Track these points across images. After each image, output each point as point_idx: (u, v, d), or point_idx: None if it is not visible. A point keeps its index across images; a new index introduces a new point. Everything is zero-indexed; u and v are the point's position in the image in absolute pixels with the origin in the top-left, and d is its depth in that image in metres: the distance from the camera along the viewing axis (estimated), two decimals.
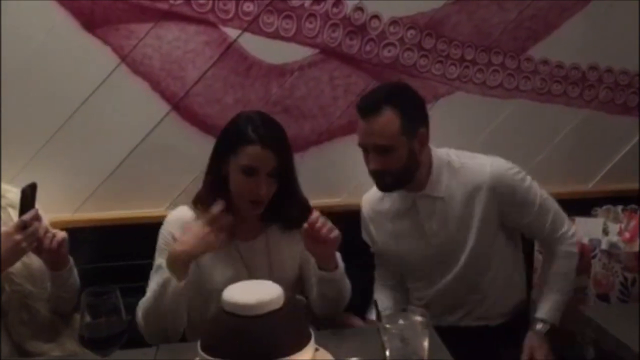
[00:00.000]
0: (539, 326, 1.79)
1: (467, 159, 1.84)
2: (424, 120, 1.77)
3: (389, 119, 1.70)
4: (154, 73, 2.15)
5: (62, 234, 1.62)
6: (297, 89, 2.24)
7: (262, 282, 1.44)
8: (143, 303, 1.62)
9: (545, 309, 1.81)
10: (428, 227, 1.83)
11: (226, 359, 1.25)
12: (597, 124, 2.39)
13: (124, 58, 2.12)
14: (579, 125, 2.39)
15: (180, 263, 1.57)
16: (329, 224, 1.58)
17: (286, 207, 1.72)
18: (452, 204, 1.81)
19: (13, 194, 1.75)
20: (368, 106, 1.74)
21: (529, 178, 1.82)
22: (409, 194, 1.83)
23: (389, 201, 1.89)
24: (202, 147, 2.18)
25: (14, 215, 1.63)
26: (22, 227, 1.53)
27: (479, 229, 1.80)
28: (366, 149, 1.76)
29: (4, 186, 1.80)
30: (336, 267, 1.65)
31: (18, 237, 1.52)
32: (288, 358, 1.25)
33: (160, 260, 1.64)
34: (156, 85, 2.16)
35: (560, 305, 1.82)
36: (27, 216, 1.53)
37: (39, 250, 1.60)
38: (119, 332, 1.26)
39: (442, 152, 1.84)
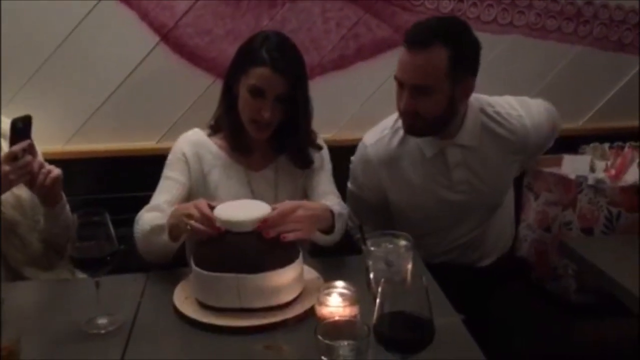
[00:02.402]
0: None
1: (500, 107, 1.74)
2: (474, 68, 1.61)
3: (436, 56, 1.53)
4: (143, 3, 2.11)
5: (57, 171, 1.60)
6: (288, 22, 2.20)
7: (252, 201, 1.48)
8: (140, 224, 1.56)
9: None
10: (455, 176, 1.73)
11: (217, 272, 1.30)
12: (591, 61, 2.37)
13: None
14: (572, 61, 2.37)
15: None
16: (281, 228, 1.39)
17: (295, 138, 1.69)
18: (482, 154, 1.72)
19: (4, 124, 1.72)
20: (417, 37, 1.55)
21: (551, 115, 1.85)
22: (437, 142, 1.70)
23: (409, 145, 1.74)
24: (191, 80, 2.19)
25: (5, 146, 1.62)
26: (12, 158, 1.52)
27: (501, 181, 1.79)
28: (402, 84, 1.60)
29: None
30: (332, 230, 1.55)
31: (6, 168, 1.51)
32: (275, 271, 1.31)
33: (168, 172, 1.68)
34: (144, 15, 2.12)
35: None
36: (16, 147, 1.52)
37: (31, 184, 1.59)
38: (108, 254, 1.28)
39: (472, 99, 1.69)
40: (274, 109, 1.59)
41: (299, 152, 1.71)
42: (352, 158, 1.87)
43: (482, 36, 2.26)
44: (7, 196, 1.65)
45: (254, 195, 1.69)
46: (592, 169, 2.09)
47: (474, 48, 1.61)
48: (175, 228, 1.45)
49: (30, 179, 1.57)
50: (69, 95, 2.17)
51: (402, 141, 1.74)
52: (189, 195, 1.68)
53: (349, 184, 1.89)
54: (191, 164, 1.69)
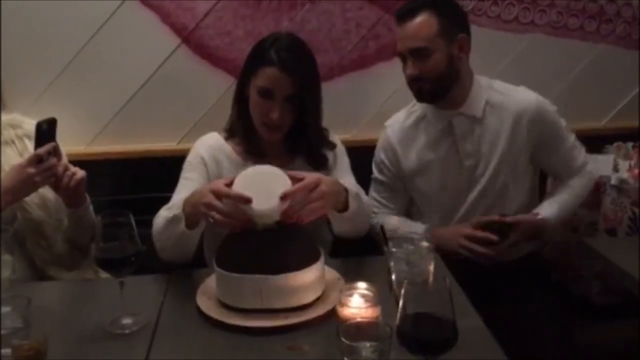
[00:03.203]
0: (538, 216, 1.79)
1: (511, 88, 1.83)
2: (464, 25, 1.74)
3: (425, 20, 1.68)
4: (164, 5, 2.13)
5: (81, 173, 1.62)
6: (307, 23, 2.21)
7: (269, 170, 1.45)
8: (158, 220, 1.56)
9: (544, 207, 1.82)
10: (462, 148, 1.80)
11: (240, 273, 1.31)
12: (613, 60, 2.34)
13: None
14: (594, 60, 2.34)
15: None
16: (304, 209, 1.39)
17: (307, 139, 1.69)
18: (489, 126, 1.79)
19: (30, 125, 1.76)
20: (404, 11, 1.71)
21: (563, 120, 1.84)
22: (445, 112, 1.79)
23: (422, 123, 1.85)
24: (212, 81, 2.21)
25: (30, 146, 1.64)
26: (36, 160, 1.54)
27: (507, 156, 1.79)
28: (404, 56, 1.73)
29: (21, 117, 1.83)
30: (346, 208, 1.54)
31: (31, 170, 1.53)
32: (297, 272, 1.32)
33: (186, 173, 1.69)
34: (166, 18, 2.14)
35: (560, 212, 1.82)
36: (41, 150, 1.54)
37: (56, 186, 1.62)
38: (132, 254, 1.29)
39: (483, 77, 1.83)
40: (284, 110, 1.59)
41: (312, 153, 1.71)
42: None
43: (503, 35, 2.30)
44: (32, 197, 1.67)
45: None
46: (616, 169, 2.07)
47: (460, 10, 1.78)
48: (192, 216, 1.44)
49: (55, 180, 1.60)
50: (92, 96, 2.20)
51: (416, 120, 1.86)
52: None
53: (373, 171, 1.96)
54: (209, 167, 1.69)
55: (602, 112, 2.42)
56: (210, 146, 1.71)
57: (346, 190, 1.54)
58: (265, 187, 1.37)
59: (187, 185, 1.65)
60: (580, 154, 1.88)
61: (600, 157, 2.14)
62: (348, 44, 2.25)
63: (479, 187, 1.81)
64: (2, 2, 2.05)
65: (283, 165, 1.70)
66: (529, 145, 1.80)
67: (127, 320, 1.32)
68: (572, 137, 1.87)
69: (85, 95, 2.19)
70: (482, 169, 1.80)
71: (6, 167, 1.68)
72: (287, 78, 1.56)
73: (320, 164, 1.72)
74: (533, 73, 2.31)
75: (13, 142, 1.77)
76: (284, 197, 1.35)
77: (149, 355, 1.23)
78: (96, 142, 2.23)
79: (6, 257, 1.38)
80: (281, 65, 1.55)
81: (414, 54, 1.70)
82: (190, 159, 1.72)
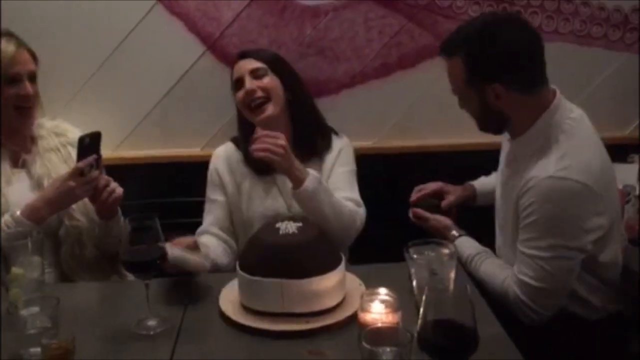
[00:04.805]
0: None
1: (565, 138, 1.55)
2: (499, 74, 1.53)
3: (455, 65, 1.56)
4: (190, 13, 2.17)
5: (119, 191, 1.69)
6: (331, 31, 2.23)
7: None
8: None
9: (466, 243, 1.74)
10: (502, 173, 1.73)
11: (262, 277, 1.34)
12: (637, 68, 2.32)
13: None
14: (618, 69, 2.33)
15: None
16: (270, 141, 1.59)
17: (312, 137, 1.82)
18: (517, 164, 1.64)
19: (73, 134, 1.84)
20: (442, 47, 1.61)
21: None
22: (510, 140, 1.68)
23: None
24: None
25: (74, 154, 1.68)
26: (78, 174, 1.59)
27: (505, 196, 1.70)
28: None
29: (65, 125, 1.90)
30: (300, 184, 1.61)
31: (71, 183, 1.59)
32: (318, 277, 1.34)
33: (208, 193, 1.85)
34: (192, 26, 2.18)
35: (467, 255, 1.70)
36: (82, 163, 1.59)
37: (94, 199, 1.67)
38: (158, 257, 1.32)
39: (560, 116, 1.58)
40: (257, 82, 1.78)
41: (307, 140, 1.81)
42: None
43: None
44: (78, 203, 1.73)
45: (284, 197, 1.78)
46: None
47: (501, 55, 1.52)
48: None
49: (94, 193, 1.65)
50: (119, 102, 2.24)
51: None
52: (230, 208, 1.84)
53: None
54: (224, 179, 1.83)
55: (626, 120, 2.40)
56: (223, 156, 1.87)
57: (317, 179, 1.64)
58: None
59: (210, 208, 1.85)
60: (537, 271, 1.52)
61: (624, 166, 2.11)
62: (370, 52, 2.26)
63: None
64: (32, 14, 2.11)
65: None
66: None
67: (152, 322, 1.35)
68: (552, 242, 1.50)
69: (112, 101, 2.23)
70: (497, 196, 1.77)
71: (52, 173, 1.74)
72: (249, 61, 1.81)
73: (313, 151, 1.81)
74: (557, 81, 2.28)
75: (58, 149, 1.83)
76: (254, 137, 1.59)
77: (173, 356, 1.26)
78: (122, 147, 2.27)
79: (35, 259, 1.42)
80: (240, 55, 1.84)
81: (456, 94, 1.63)
82: (209, 173, 1.87)
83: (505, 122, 1.62)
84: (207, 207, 1.86)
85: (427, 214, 1.86)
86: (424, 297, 1.03)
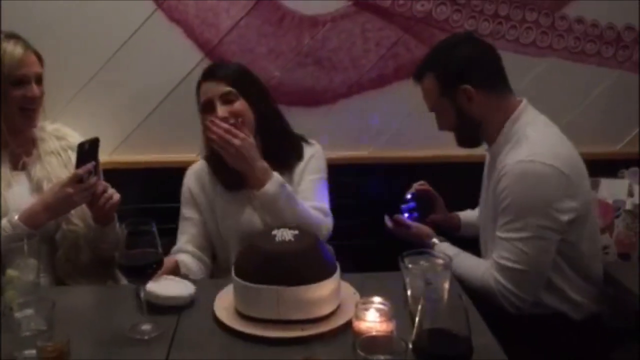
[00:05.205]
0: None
1: (532, 130, 1.66)
2: (466, 76, 1.68)
3: (428, 84, 1.74)
4: (189, 20, 2.18)
5: (117, 197, 1.69)
6: (328, 41, 2.25)
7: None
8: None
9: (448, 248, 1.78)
10: (484, 183, 1.86)
11: (257, 283, 1.34)
12: (629, 85, 2.36)
13: (160, 4, 2.17)
14: (610, 86, 2.36)
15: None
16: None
17: (282, 147, 1.81)
18: (492, 168, 1.74)
19: (74, 138, 1.85)
20: (414, 75, 1.79)
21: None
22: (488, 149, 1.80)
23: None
24: None
25: (74, 158, 1.68)
26: (76, 180, 1.60)
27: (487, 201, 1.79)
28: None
29: (66, 129, 1.91)
30: (260, 187, 1.67)
31: (70, 190, 1.60)
32: (314, 284, 1.34)
33: (182, 211, 1.85)
34: (190, 32, 2.20)
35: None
36: (81, 170, 1.60)
37: (91, 205, 1.68)
38: (153, 262, 1.33)
39: (527, 117, 1.70)
40: (228, 108, 1.71)
41: (277, 150, 1.79)
42: None
43: (521, 58, 2.32)
44: (77, 208, 1.72)
45: (258, 213, 1.77)
46: (631, 194, 2.08)
47: (463, 60, 1.71)
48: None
49: (92, 199, 1.65)
50: (116, 107, 2.25)
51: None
52: (205, 226, 1.83)
53: None
54: (197, 197, 1.84)
55: (618, 136, 2.43)
56: (195, 175, 1.87)
57: (279, 183, 1.67)
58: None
59: (184, 226, 1.85)
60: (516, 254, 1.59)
61: (614, 182, 2.15)
62: (367, 63, 2.29)
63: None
64: (33, 16, 2.12)
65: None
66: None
67: (146, 327, 1.35)
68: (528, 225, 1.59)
69: (109, 105, 2.24)
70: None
71: (52, 177, 1.75)
72: (218, 83, 1.73)
73: (276, 158, 1.77)
74: (550, 96, 2.32)
75: (58, 153, 1.83)
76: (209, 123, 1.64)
77: None
78: (118, 151, 2.28)
79: (31, 261, 1.41)
80: (206, 74, 1.76)
81: (434, 111, 1.78)
82: (182, 192, 1.87)
83: (478, 128, 1.73)
84: (181, 225, 1.85)
85: (409, 222, 1.90)
86: (419, 307, 1.04)
